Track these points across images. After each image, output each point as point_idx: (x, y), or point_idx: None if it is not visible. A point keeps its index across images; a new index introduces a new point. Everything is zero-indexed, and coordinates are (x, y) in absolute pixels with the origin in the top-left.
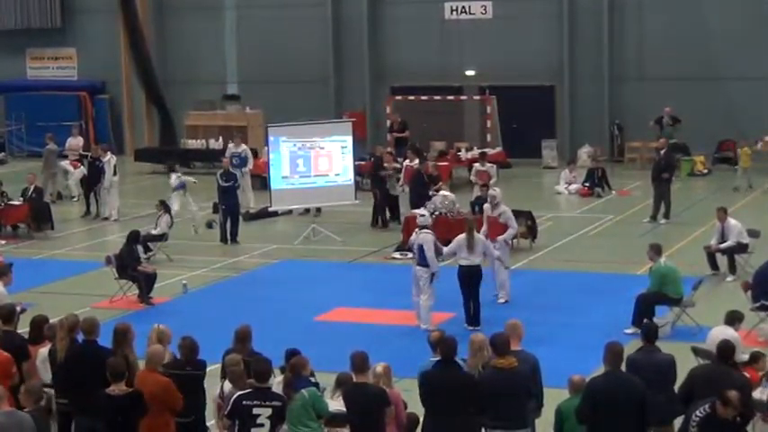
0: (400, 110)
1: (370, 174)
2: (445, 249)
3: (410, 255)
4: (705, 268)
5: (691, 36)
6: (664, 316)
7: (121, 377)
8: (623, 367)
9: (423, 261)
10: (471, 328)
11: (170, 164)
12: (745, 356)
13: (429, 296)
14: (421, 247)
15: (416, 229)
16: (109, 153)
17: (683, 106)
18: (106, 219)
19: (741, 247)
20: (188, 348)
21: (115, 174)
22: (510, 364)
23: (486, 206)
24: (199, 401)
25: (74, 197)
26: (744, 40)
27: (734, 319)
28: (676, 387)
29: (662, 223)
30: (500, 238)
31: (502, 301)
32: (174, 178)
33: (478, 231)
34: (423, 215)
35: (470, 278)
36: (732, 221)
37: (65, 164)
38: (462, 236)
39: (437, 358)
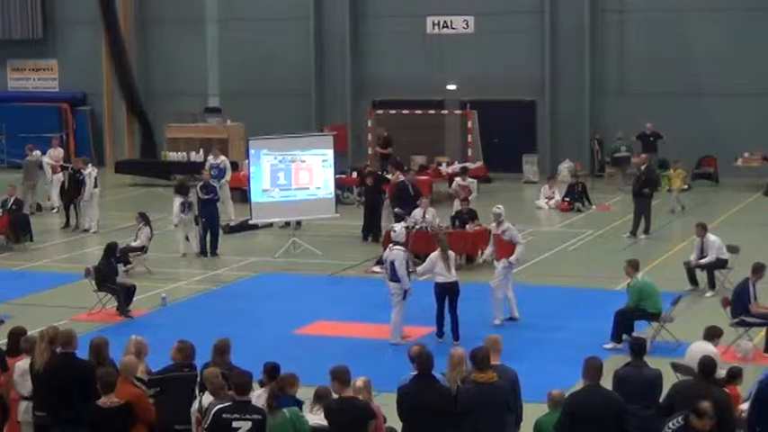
0: (382, 123)
1: (370, 188)
2: (419, 269)
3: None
4: (685, 284)
5: (671, 52)
6: (643, 331)
7: (112, 389)
8: (610, 382)
9: (395, 277)
10: (454, 342)
11: (181, 182)
12: (723, 371)
13: (398, 311)
14: (393, 263)
15: (390, 245)
16: (90, 165)
17: (664, 122)
18: (86, 231)
19: (720, 263)
20: (185, 352)
21: (96, 186)
22: (490, 378)
23: (492, 225)
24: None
25: (54, 209)
26: (724, 56)
27: (713, 334)
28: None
29: (642, 238)
30: (511, 258)
31: (497, 322)
32: (178, 203)
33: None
34: (395, 230)
35: (448, 295)
36: (711, 237)
37: (45, 160)
38: (436, 253)
39: (415, 372)
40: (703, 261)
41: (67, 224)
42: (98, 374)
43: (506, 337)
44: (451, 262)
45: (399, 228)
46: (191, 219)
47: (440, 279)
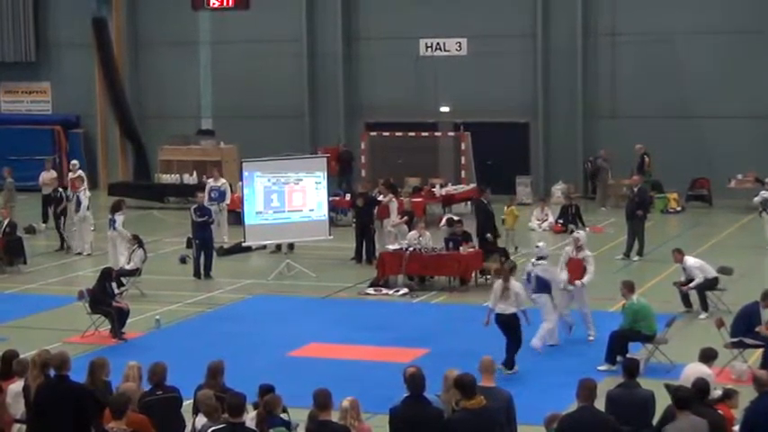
0: (375, 145)
1: (361, 210)
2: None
3: (384, 291)
4: (678, 305)
5: (664, 74)
6: (637, 353)
7: (123, 415)
8: (603, 403)
9: (540, 289)
10: (506, 372)
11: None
12: (718, 392)
13: (552, 319)
14: (539, 277)
15: (533, 259)
16: (84, 186)
17: (657, 144)
18: (79, 254)
19: (710, 283)
20: (153, 373)
21: (88, 208)
22: (479, 403)
23: (569, 248)
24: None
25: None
26: (716, 79)
27: (708, 356)
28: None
29: (635, 260)
30: (583, 280)
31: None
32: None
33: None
34: (538, 246)
35: (506, 327)
36: (691, 260)
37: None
38: (499, 283)
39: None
40: (693, 284)
41: (62, 247)
42: (111, 399)
43: (500, 359)
44: (511, 294)
45: (543, 243)
46: (115, 235)
47: (498, 310)
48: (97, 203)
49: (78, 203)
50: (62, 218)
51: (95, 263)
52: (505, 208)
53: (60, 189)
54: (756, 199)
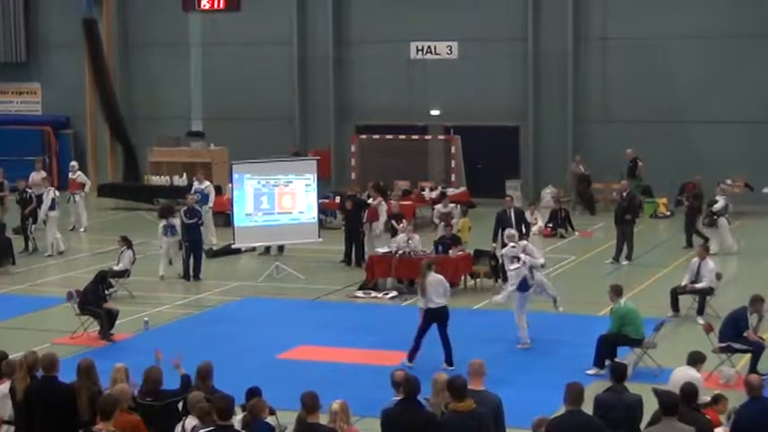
0: (365, 148)
1: (350, 213)
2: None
3: (373, 293)
4: (667, 310)
5: (654, 79)
6: (625, 357)
7: (110, 416)
8: (591, 407)
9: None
10: (446, 367)
11: (164, 206)
12: (707, 398)
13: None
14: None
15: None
16: (49, 185)
17: (647, 148)
18: (61, 253)
19: (710, 290)
20: (148, 379)
21: (54, 208)
22: (468, 406)
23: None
24: None
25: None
26: (707, 83)
27: (696, 360)
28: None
29: (624, 264)
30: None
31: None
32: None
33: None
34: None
35: (437, 319)
36: (711, 263)
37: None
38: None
39: (399, 397)
40: (699, 286)
41: (26, 248)
42: (99, 401)
43: (489, 362)
44: (431, 287)
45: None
46: (174, 241)
47: (431, 305)
48: (87, 205)
49: (30, 201)
50: (30, 219)
51: (85, 264)
52: (459, 221)
53: (28, 190)
54: (717, 205)
